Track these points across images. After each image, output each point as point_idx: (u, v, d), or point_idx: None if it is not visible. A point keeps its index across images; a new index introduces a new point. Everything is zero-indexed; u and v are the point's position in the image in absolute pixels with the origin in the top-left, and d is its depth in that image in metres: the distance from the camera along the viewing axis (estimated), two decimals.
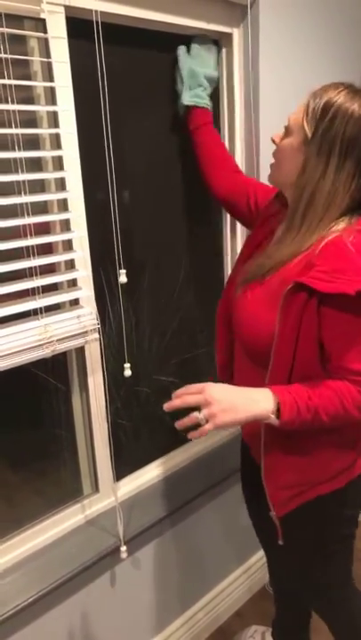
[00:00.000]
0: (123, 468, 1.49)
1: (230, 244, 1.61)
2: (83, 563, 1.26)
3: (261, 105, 1.43)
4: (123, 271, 1.18)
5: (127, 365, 1.25)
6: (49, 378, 1.30)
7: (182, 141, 1.39)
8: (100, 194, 1.19)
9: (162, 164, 1.40)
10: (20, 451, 1.31)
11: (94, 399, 1.32)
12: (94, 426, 1.34)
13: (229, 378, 1.23)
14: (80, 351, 1.27)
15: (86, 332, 1.17)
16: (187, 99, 1.29)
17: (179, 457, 1.62)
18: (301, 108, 0.93)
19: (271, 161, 1.02)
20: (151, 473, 1.55)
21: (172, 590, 1.60)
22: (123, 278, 1.19)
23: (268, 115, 1.46)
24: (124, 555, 1.32)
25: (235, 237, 1.59)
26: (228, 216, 1.58)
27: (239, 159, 1.51)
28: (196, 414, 0.87)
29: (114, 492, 1.41)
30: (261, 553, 1.88)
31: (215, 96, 1.47)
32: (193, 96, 1.29)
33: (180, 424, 0.89)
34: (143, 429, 1.60)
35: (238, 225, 1.57)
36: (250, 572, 1.85)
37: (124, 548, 1.31)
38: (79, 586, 1.31)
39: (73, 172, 1.13)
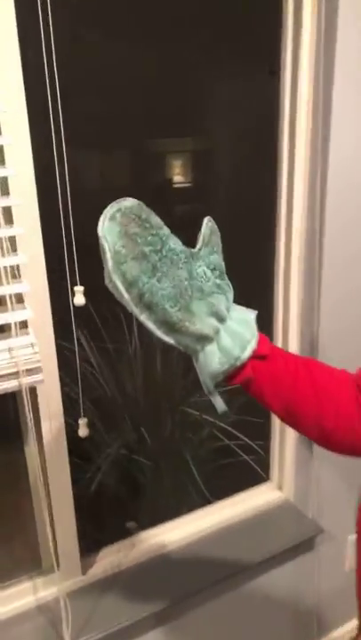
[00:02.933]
0: (96, 539, 1.14)
1: (283, 253, 1.15)
2: None
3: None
4: (79, 288, 0.81)
5: (82, 422, 0.88)
6: None
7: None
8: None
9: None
10: None
11: (52, 456, 0.97)
12: (52, 488, 1.00)
13: None
14: (33, 392, 0.93)
15: (17, 372, 0.82)
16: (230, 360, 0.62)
17: (174, 533, 1.22)
18: None
19: None
20: (141, 546, 1.18)
21: None
22: (79, 299, 0.81)
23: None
24: None
25: (290, 248, 1.13)
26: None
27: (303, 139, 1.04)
28: None
29: (57, 583, 1.05)
30: None
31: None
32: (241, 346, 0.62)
33: None
34: (131, 492, 1.24)
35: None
36: None
37: None
38: None
39: (19, 140, 0.78)
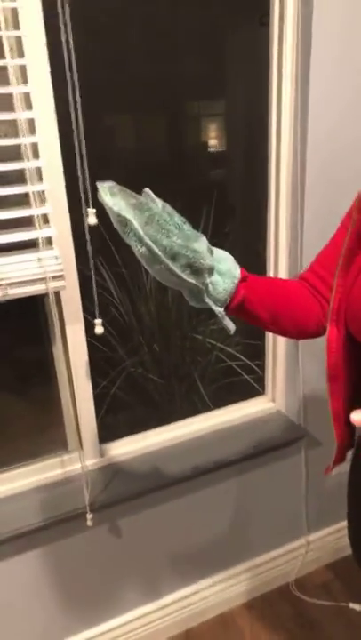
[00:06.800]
0: (119, 428, 1.37)
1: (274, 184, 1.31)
2: (43, 519, 1.19)
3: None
4: (92, 210, 1.00)
5: (98, 321, 1.09)
6: (28, 320, 1.21)
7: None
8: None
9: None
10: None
11: (75, 354, 1.19)
12: (76, 383, 1.22)
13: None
14: (58, 298, 1.14)
15: (45, 278, 1.03)
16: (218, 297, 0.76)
17: (179, 431, 1.44)
18: None
19: None
20: (152, 439, 1.40)
21: (144, 574, 1.46)
22: (92, 219, 1.00)
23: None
24: (89, 522, 1.22)
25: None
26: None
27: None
28: None
29: (80, 459, 1.29)
30: (274, 554, 1.65)
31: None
32: (224, 284, 0.75)
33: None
34: (153, 389, 1.45)
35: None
36: (250, 575, 1.64)
37: (90, 516, 1.21)
38: (37, 543, 1.25)
39: (41, 86, 0.96)
